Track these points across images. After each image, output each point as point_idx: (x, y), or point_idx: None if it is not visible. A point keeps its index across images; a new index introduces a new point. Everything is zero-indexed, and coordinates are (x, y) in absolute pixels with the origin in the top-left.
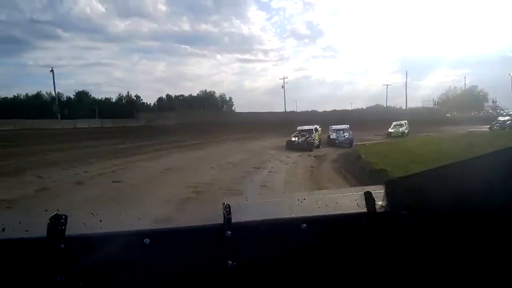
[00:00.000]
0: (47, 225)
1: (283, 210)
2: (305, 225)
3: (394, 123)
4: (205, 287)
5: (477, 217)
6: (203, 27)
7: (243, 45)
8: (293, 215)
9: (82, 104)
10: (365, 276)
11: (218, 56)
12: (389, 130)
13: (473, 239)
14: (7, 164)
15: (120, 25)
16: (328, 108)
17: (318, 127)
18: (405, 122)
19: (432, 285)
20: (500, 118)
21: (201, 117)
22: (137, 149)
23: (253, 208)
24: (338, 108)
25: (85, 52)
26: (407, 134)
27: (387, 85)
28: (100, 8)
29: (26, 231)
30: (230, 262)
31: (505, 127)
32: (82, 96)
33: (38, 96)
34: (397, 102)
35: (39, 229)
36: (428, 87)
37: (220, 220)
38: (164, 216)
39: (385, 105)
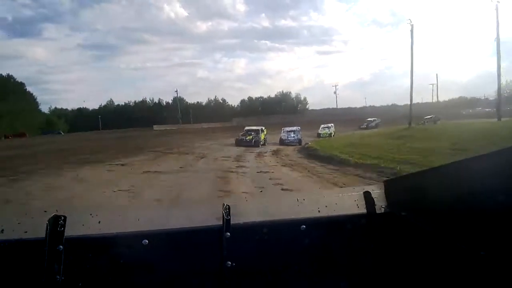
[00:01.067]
0: (46, 226)
1: (282, 211)
2: (304, 226)
3: (322, 125)
4: None
5: (477, 217)
6: (282, 22)
7: (322, 36)
8: (293, 216)
9: (182, 109)
10: (365, 277)
11: (297, 49)
12: (318, 131)
13: (473, 239)
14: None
15: (202, 26)
16: (414, 100)
17: (263, 128)
18: (331, 125)
19: (432, 285)
20: (369, 119)
21: (278, 118)
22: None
23: (252, 209)
24: (423, 100)
25: (171, 54)
26: (333, 135)
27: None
28: (183, 12)
29: (25, 232)
30: (229, 263)
31: (371, 127)
32: (179, 101)
33: (143, 102)
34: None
35: (38, 230)
36: None
37: (219, 221)
38: (163, 216)
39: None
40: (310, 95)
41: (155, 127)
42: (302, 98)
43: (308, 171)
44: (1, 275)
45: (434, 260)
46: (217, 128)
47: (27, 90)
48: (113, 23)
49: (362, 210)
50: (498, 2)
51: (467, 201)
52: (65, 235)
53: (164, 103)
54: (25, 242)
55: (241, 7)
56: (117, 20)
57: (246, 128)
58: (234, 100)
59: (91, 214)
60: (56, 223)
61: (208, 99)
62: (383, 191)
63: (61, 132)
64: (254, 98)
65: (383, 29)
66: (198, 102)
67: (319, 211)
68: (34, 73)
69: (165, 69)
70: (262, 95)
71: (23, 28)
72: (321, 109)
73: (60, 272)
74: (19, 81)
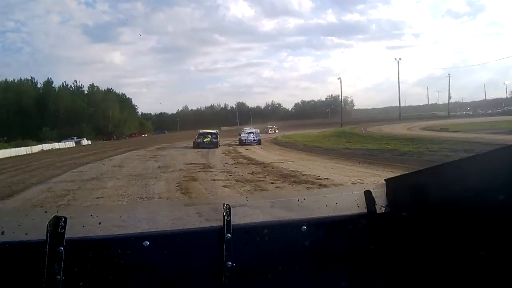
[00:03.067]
0: (47, 227)
1: (283, 212)
2: (305, 226)
3: (268, 127)
4: None
5: (477, 216)
6: (349, 16)
7: (392, 31)
8: (293, 217)
9: (241, 113)
10: (366, 277)
11: (365, 45)
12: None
13: (474, 239)
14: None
15: (268, 25)
16: (488, 96)
17: (217, 131)
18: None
19: (433, 285)
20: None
21: (326, 119)
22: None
23: (253, 209)
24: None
25: (238, 54)
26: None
27: None
28: (250, 11)
29: (26, 234)
30: (230, 264)
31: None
32: (240, 106)
33: (212, 107)
34: None
35: (39, 231)
36: None
37: (220, 222)
38: (163, 217)
39: None
40: (378, 92)
41: (222, 128)
42: (349, 101)
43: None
44: (2, 277)
45: (435, 260)
46: (289, 126)
47: (127, 96)
48: (183, 25)
49: (363, 210)
50: None
51: (467, 201)
52: (65, 236)
53: (229, 108)
54: (26, 244)
55: (307, 3)
56: (186, 22)
57: (201, 131)
58: (289, 104)
59: (91, 215)
60: (57, 224)
61: (266, 103)
62: (384, 190)
63: (165, 131)
64: (307, 101)
65: (458, 20)
66: (257, 106)
67: (319, 210)
68: (110, 77)
69: (232, 70)
70: (313, 98)
71: (102, 33)
72: (367, 109)
73: (60, 273)
74: (128, 96)
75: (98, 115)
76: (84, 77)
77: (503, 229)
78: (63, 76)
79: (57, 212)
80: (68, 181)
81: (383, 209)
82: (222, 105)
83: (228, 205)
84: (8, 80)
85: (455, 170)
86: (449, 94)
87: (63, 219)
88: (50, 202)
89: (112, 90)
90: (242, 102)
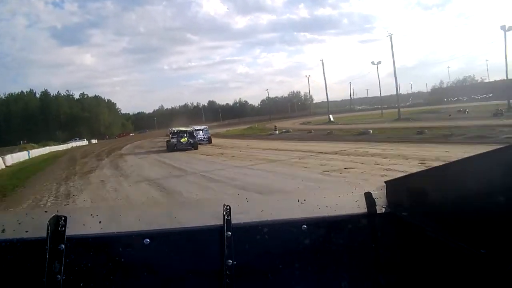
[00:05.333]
0: (47, 226)
1: (283, 211)
2: (305, 226)
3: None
4: (205, 287)
5: (477, 217)
6: (321, 11)
7: (363, 24)
8: (294, 216)
9: (212, 110)
10: (366, 277)
11: (338, 40)
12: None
13: (474, 239)
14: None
15: (242, 21)
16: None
17: (194, 128)
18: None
19: (433, 284)
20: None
21: (288, 113)
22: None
23: (253, 209)
24: None
25: (212, 52)
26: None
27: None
28: (223, 7)
29: (26, 231)
30: (230, 263)
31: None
32: (211, 104)
33: (186, 106)
34: None
35: (39, 229)
36: None
37: (220, 221)
38: (164, 216)
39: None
40: (355, 84)
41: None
42: (308, 96)
43: None
44: (3, 275)
45: (435, 260)
46: (234, 123)
47: (113, 102)
48: (155, 25)
49: (363, 210)
50: None
51: (467, 201)
52: (66, 234)
53: (201, 106)
54: (27, 242)
55: None
56: (158, 21)
57: (174, 129)
58: (256, 100)
59: (91, 214)
60: (57, 223)
61: (234, 100)
62: (384, 191)
63: (146, 130)
64: (272, 97)
65: (427, 12)
66: (226, 104)
67: (319, 209)
68: (83, 78)
69: (206, 67)
70: (289, 91)
71: (72, 36)
72: (336, 101)
73: (61, 271)
74: (105, 98)
75: (92, 119)
76: (56, 80)
77: (503, 229)
78: (34, 79)
79: (57, 211)
80: (133, 145)
81: (384, 209)
82: (195, 103)
83: (228, 205)
84: (13, 93)
85: (455, 170)
86: (397, 87)
87: (63, 218)
88: (141, 145)
89: (100, 96)
90: (212, 100)
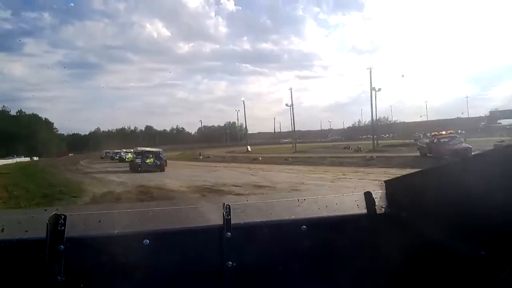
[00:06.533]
0: (47, 225)
1: (283, 211)
2: (305, 226)
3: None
4: (204, 287)
5: (477, 217)
6: (263, 46)
7: (303, 61)
8: (293, 217)
9: (150, 134)
10: (366, 277)
11: (278, 74)
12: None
13: (473, 239)
14: None
15: (184, 47)
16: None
17: (161, 150)
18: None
19: (433, 285)
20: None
21: (224, 142)
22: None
23: (253, 209)
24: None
25: (152, 74)
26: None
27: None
28: (166, 32)
29: (26, 231)
30: (230, 263)
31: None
32: (148, 129)
33: (123, 129)
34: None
35: (39, 229)
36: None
37: (220, 221)
38: (163, 216)
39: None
40: (288, 116)
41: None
42: (243, 127)
43: None
44: (3, 273)
45: (434, 261)
46: (169, 149)
47: (49, 120)
48: (94, 41)
49: (363, 210)
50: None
51: (466, 202)
52: (66, 234)
53: (138, 130)
54: (26, 242)
55: (223, 29)
56: (98, 37)
57: (139, 149)
58: (194, 127)
59: (91, 214)
60: (57, 222)
61: (172, 127)
62: (384, 192)
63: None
64: (209, 126)
65: (361, 56)
66: (164, 130)
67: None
68: (10, 90)
69: (145, 89)
70: (227, 120)
71: (1, 42)
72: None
73: (61, 271)
74: (42, 117)
75: (29, 137)
76: None
77: (502, 229)
78: None
79: (57, 210)
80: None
81: (383, 209)
82: (132, 128)
83: (228, 205)
84: None
85: (454, 171)
86: (293, 122)
87: (63, 217)
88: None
89: (37, 114)
90: (150, 125)
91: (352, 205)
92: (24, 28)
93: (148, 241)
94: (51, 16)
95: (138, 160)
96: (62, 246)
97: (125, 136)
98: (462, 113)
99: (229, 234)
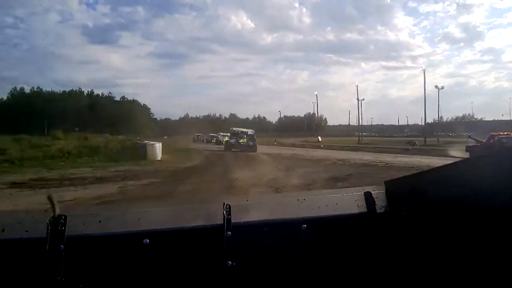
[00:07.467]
0: (47, 225)
1: (283, 211)
2: (305, 225)
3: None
4: (204, 287)
5: (477, 216)
6: (348, 36)
7: (389, 52)
8: (293, 216)
9: (234, 122)
10: (366, 277)
11: (363, 64)
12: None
13: (474, 239)
14: None
15: (267, 38)
16: (488, 117)
17: (253, 131)
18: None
19: (433, 285)
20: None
21: (302, 132)
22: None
23: (253, 208)
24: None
25: (236, 64)
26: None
27: None
28: (250, 23)
29: (26, 231)
30: (230, 263)
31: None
32: (232, 116)
33: (209, 116)
34: None
35: (39, 229)
36: None
37: (220, 221)
38: (163, 215)
39: None
40: (374, 109)
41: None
42: (323, 118)
43: None
44: (3, 274)
45: (435, 260)
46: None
47: (147, 106)
48: (182, 33)
49: (363, 210)
50: None
51: (467, 201)
52: (65, 234)
53: (223, 117)
54: (26, 241)
55: (307, 20)
56: (186, 30)
57: (235, 129)
58: (274, 117)
59: (91, 214)
60: (57, 222)
61: (254, 116)
62: (384, 191)
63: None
64: (289, 116)
65: (454, 47)
66: (246, 118)
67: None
68: (110, 77)
69: (229, 78)
70: (293, 114)
71: (101, 36)
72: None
73: (60, 271)
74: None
75: (131, 120)
76: (80, 76)
77: (503, 229)
78: (57, 73)
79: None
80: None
81: (383, 209)
82: (217, 115)
83: (228, 204)
84: (66, 90)
85: (455, 171)
86: (359, 117)
87: (63, 217)
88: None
89: (137, 100)
90: (234, 113)
91: (352, 204)
92: (121, 22)
93: (148, 240)
94: (144, 10)
95: (232, 140)
96: (62, 246)
97: (211, 122)
98: None
99: (229, 233)
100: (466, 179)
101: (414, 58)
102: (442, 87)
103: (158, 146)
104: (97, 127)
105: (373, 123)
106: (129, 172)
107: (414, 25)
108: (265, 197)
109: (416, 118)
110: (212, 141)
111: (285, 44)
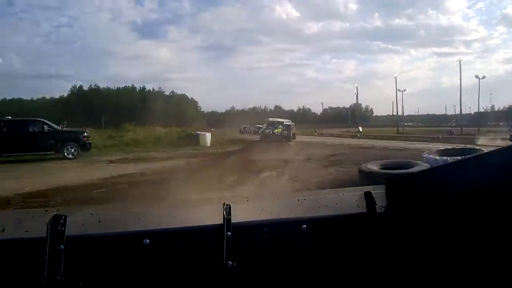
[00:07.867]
0: (46, 225)
1: (283, 211)
2: (305, 225)
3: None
4: (204, 287)
5: (478, 217)
6: (396, 21)
7: (441, 37)
8: (293, 216)
9: (279, 114)
10: (366, 277)
11: (412, 51)
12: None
13: (474, 239)
14: None
15: (313, 27)
16: None
17: (289, 121)
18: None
19: (433, 285)
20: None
21: (346, 123)
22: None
23: (253, 208)
24: None
25: (282, 54)
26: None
27: None
28: (295, 13)
29: (26, 231)
30: (230, 263)
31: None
32: (277, 108)
33: (254, 108)
34: None
35: (39, 229)
36: None
37: (220, 221)
38: (164, 215)
39: None
40: (425, 98)
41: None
42: (369, 109)
43: None
44: (2, 275)
45: (435, 260)
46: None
47: (194, 99)
48: (228, 25)
49: (363, 210)
50: None
51: (468, 201)
52: (65, 234)
53: (268, 110)
54: (26, 241)
55: (353, 6)
56: (231, 22)
57: (271, 119)
58: (319, 108)
59: (91, 214)
60: (57, 222)
61: (298, 107)
62: (384, 191)
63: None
64: (334, 107)
65: None
66: (291, 110)
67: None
68: (159, 72)
69: (275, 69)
70: (338, 105)
71: (150, 31)
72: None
73: (61, 271)
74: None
75: (180, 113)
76: (131, 71)
77: (504, 229)
78: (110, 69)
79: (57, 210)
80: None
81: (383, 209)
82: (262, 107)
83: (228, 204)
84: (120, 87)
85: (456, 170)
86: (400, 106)
87: (63, 217)
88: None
89: (185, 95)
90: (279, 105)
91: (352, 204)
92: (168, 17)
93: (148, 241)
94: (190, 5)
95: (268, 130)
96: (62, 246)
97: (257, 114)
98: None
99: (229, 233)
100: (467, 179)
101: (468, 43)
102: (483, 77)
103: (208, 135)
104: (150, 120)
105: (423, 113)
106: (189, 154)
107: (468, 7)
108: (265, 197)
109: (471, 107)
110: (259, 132)
111: (331, 32)
